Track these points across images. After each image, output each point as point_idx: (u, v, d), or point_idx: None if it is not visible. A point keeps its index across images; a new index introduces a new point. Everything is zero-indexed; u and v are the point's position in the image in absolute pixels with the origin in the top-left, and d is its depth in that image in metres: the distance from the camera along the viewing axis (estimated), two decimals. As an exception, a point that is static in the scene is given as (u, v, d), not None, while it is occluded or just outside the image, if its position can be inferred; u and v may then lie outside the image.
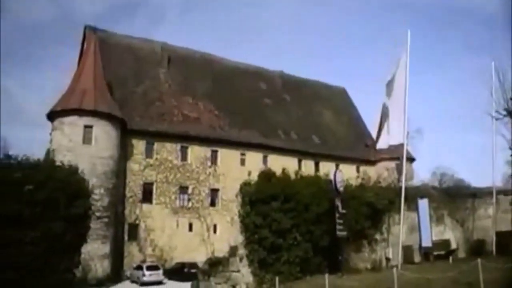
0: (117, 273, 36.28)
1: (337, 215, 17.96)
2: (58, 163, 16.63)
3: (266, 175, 20.16)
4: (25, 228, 14.43)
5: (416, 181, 32.83)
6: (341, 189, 18.81)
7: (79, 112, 36.34)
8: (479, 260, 13.31)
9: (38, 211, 14.55)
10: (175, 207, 41.71)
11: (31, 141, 54.26)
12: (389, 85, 19.72)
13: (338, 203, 18.17)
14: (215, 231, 42.84)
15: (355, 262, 20.86)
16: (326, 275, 15.64)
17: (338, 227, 17.84)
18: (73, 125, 36.21)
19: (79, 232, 15.52)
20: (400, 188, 19.90)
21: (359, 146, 54.67)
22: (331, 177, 19.62)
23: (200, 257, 35.79)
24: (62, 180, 15.29)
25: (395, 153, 46.07)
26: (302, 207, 19.37)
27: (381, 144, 21.94)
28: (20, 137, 56.65)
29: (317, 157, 50.41)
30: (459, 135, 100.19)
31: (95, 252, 31.90)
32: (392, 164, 48.16)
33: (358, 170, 49.49)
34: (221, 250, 29.22)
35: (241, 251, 19.79)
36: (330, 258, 19.13)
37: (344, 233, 18.24)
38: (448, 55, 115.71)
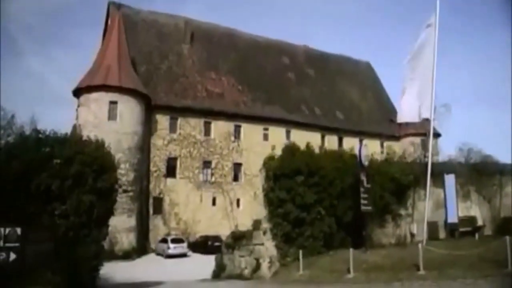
0: (142, 246, 37.22)
1: (361, 190, 17.84)
2: (85, 138, 16.74)
3: (290, 150, 20.07)
4: (55, 201, 14.72)
5: (442, 157, 32.22)
6: (366, 163, 18.62)
7: (104, 88, 36.99)
8: (507, 237, 13.09)
9: (67, 184, 14.78)
10: (198, 182, 42.29)
11: (57, 118, 55.34)
12: (416, 57, 19.17)
13: (363, 178, 18.02)
14: (238, 206, 43.36)
15: (379, 238, 20.79)
16: (351, 250, 15.67)
17: (362, 202, 17.74)
18: (99, 101, 36.89)
19: (107, 205, 15.76)
20: (426, 163, 19.60)
21: (384, 122, 54.04)
22: (356, 151, 19.46)
23: (223, 231, 36.31)
24: (90, 155, 15.49)
25: (421, 129, 45.58)
26: (327, 181, 19.29)
27: (406, 118, 21.50)
28: (46, 114, 57.78)
29: (341, 133, 50.16)
30: (487, 111, 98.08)
31: (121, 226, 32.71)
32: (418, 140, 47.56)
33: (382, 146, 49.07)
34: (244, 225, 29.49)
35: (265, 225, 19.89)
36: (354, 233, 19.11)
37: (368, 208, 18.14)
38: (478, 29, 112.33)
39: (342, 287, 14.31)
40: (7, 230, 10.49)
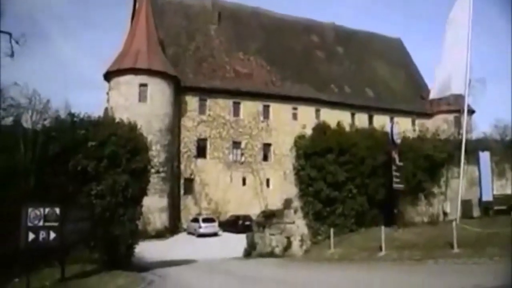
0: (174, 226, 37.90)
1: (393, 167, 17.65)
2: (118, 121, 17.06)
3: (321, 128, 20.00)
4: (92, 181, 15.13)
5: (477, 134, 31.48)
6: (398, 141, 18.39)
7: (134, 71, 37.45)
8: (544, 215, 12.78)
9: (102, 165, 15.15)
10: (228, 162, 42.55)
11: (89, 102, 56.45)
12: (451, 27, 18.44)
13: (395, 155, 17.82)
14: (268, 185, 43.49)
15: (411, 216, 20.58)
16: (382, 227, 15.61)
17: (394, 179, 17.57)
18: (129, 84, 37.41)
19: (141, 185, 16.10)
20: (460, 141, 19.18)
21: (415, 99, 52.96)
22: (388, 129, 19.23)
23: (253, 211, 36.65)
24: (123, 136, 15.80)
25: (454, 105, 44.56)
26: (358, 159, 19.19)
27: (439, 94, 20.94)
28: (78, 98, 59.04)
29: (371, 111, 49.44)
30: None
31: (153, 206, 33.27)
32: (451, 117, 46.57)
33: (413, 123, 48.13)
34: (274, 204, 29.68)
35: (296, 203, 20.01)
36: (386, 211, 19.02)
37: (400, 186, 17.96)
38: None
39: (374, 264, 14.30)
40: (47, 210, 10.79)
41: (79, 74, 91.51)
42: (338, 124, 20.52)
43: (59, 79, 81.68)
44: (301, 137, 20.30)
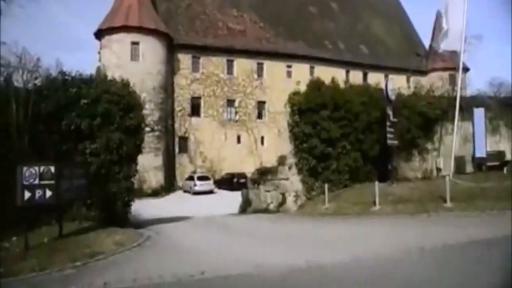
0: (170, 184, 38.19)
1: (388, 124, 17.68)
2: (110, 78, 16.83)
3: (315, 84, 19.86)
4: (86, 140, 15.08)
5: (471, 91, 31.41)
6: (393, 97, 18.33)
7: (126, 29, 36.77)
8: (537, 168, 12.94)
9: (96, 123, 15.06)
10: (223, 120, 42.48)
11: (80, 62, 55.64)
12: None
13: (389, 112, 17.81)
14: (262, 143, 43.64)
15: (405, 172, 20.81)
16: (376, 183, 15.79)
17: (388, 135, 17.63)
18: (121, 42, 36.86)
19: (135, 143, 16.07)
20: (454, 97, 19.18)
21: (410, 56, 52.52)
22: (382, 86, 19.17)
23: (248, 168, 36.86)
24: (116, 94, 15.63)
25: (449, 63, 44.29)
26: (352, 116, 19.18)
27: (435, 49, 20.78)
28: (69, 58, 58.15)
29: (366, 68, 49.07)
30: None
31: (149, 164, 33.43)
32: (446, 75, 46.34)
33: (408, 81, 47.85)
34: (269, 161, 29.81)
35: (290, 160, 20.10)
36: (380, 167, 19.18)
37: (395, 142, 18.05)
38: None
39: (367, 218, 14.54)
40: (42, 168, 10.76)
41: (70, 34, 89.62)
42: (333, 80, 20.38)
43: (49, 39, 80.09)
44: (295, 93, 20.17)
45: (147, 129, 17.20)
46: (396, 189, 16.96)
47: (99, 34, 38.61)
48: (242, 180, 32.35)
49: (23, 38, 49.79)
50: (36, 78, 17.29)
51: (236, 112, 43.42)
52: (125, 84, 16.40)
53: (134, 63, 36.47)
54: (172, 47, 40.30)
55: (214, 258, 9.44)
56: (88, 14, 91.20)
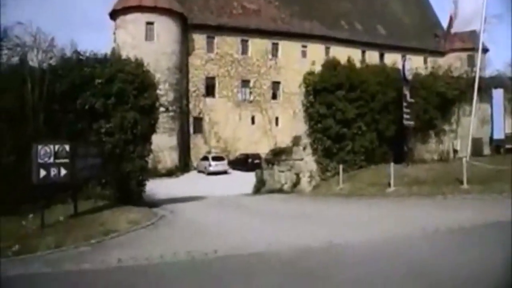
0: (185, 164, 38.38)
1: (404, 104, 17.39)
2: (124, 57, 16.79)
3: (331, 64, 19.57)
4: (101, 119, 15.13)
5: (490, 72, 30.71)
6: (410, 77, 18.00)
7: (140, 8, 36.62)
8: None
9: (110, 103, 15.09)
10: (237, 101, 42.37)
11: (96, 42, 55.67)
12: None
13: (406, 92, 17.49)
14: (277, 124, 43.51)
15: (421, 153, 20.50)
16: (391, 164, 15.61)
17: (405, 116, 17.34)
18: (135, 22, 36.78)
19: (149, 122, 16.09)
20: (473, 78, 18.75)
21: (428, 37, 51.49)
22: (399, 66, 18.82)
23: (262, 149, 36.82)
24: (131, 73, 15.61)
25: (467, 44, 43.39)
26: (368, 96, 18.90)
27: (454, 30, 20.30)
28: (84, 39, 58.17)
29: (382, 48, 48.33)
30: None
31: (163, 145, 33.58)
32: (464, 55, 45.45)
33: (425, 62, 47.04)
34: (283, 142, 29.72)
35: (305, 140, 19.96)
36: (396, 148, 18.96)
37: (411, 123, 17.77)
38: None
39: (382, 199, 14.42)
40: (57, 147, 10.82)
41: (85, 15, 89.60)
42: (348, 59, 20.05)
43: (64, 20, 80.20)
44: (310, 73, 19.89)
45: (162, 109, 17.15)
46: (412, 170, 16.75)
47: (114, 14, 38.55)
48: (257, 161, 32.35)
49: (38, 18, 49.79)
50: (51, 58, 17.32)
51: (250, 93, 43.24)
52: (139, 64, 16.35)
53: (148, 43, 36.39)
54: (187, 27, 40.09)
55: (228, 237, 9.45)
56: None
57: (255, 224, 11.50)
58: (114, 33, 38.66)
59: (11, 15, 17.15)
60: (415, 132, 19.27)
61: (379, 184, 16.05)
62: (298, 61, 43.10)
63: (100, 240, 9.38)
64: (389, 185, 15.30)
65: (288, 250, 7.62)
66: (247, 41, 43.19)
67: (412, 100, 17.90)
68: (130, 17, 37.18)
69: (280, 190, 20.69)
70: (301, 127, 20.57)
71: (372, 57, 45.92)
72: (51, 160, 10.72)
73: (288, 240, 8.35)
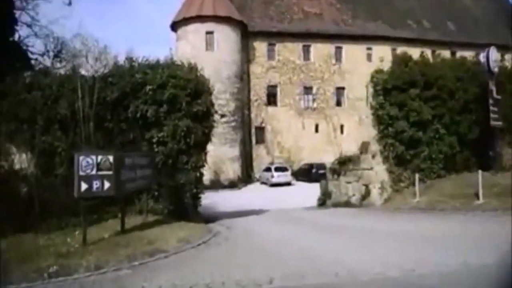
0: (247, 175, 37.58)
1: (490, 101, 15.16)
2: (178, 63, 15.97)
3: (402, 59, 17.75)
4: (153, 128, 14.39)
5: None
6: (496, 69, 15.78)
7: (200, 18, 36.60)
8: None
9: (162, 110, 14.29)
10: (300, 109, 41.26)
11: (157, 55, 56.67)
12: None
13: (492, 87, 15.30)
14: (342, 132, 41.86)
15: (510, 158, 18.10)
16: (480, 172, 13.45)
17: (492, 115, 15.09)
18: (195, 32, 36.91)
19: (204, 130, 15.11)
20: None
21: (503, 31, 47.49)
22: (481, 58, 16.55)
23: (327, 158, 35.02)
24: (183, 78, 14.76)
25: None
26: (446, 94, 16.89)
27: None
28: (146, 52, 59.61)
29: (454, 46, 45.07)
30: None
31: (225, 155, 33.02)
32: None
33: (503, 58, 43.26)
34: (349, 151, 27.94)
35: (374, 147, 18.15)
36: (480, 153, 16.75)
37: (499, 123, 15.51)
38: None
39: (470, 215, 12.34)
40: (99, 158, 9.89)
41: (145, 27, 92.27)
42: (421, 54, 18.12)
43: (128, 33, 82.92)
44: (378, 71, 18.12)
45: (217, 116, 16.09)
46: (502, 179, 14.45)
47: (175, 26, 38.86)
48: (321, 171, 30.77)
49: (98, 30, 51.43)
50: (104, 66, 17.02)
51: (313, 100, 41.86)
52: (192, 68, 15.45)
53: (209, 53, 36.16)
54: (247, 35, 39.54)
55: (288, 261, 7.98)
56: (165, 7, 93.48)
57: (320, 244, 9.93)
58: (176, 45, 38.81)
59: (72, 28, 17.10)
60: (503, 134, 16.90)
61: (463, 195, 13.95)
62: (363, 64, 41.02)
63: (144, 261, 8.35)
64: (476, 196, 13.17)
65: (361, 281, 6.06)
66: (309, 46, 41.97)
67: (499, 97, 15.64)
68: (190, 27, 37.48)
69: (348, 203, 18.95)
70: (368, 135, 18.84)
71: (443, 55, 42.90)
72: (94, 171, 9.81)
73: (361, 268, 6.77)
